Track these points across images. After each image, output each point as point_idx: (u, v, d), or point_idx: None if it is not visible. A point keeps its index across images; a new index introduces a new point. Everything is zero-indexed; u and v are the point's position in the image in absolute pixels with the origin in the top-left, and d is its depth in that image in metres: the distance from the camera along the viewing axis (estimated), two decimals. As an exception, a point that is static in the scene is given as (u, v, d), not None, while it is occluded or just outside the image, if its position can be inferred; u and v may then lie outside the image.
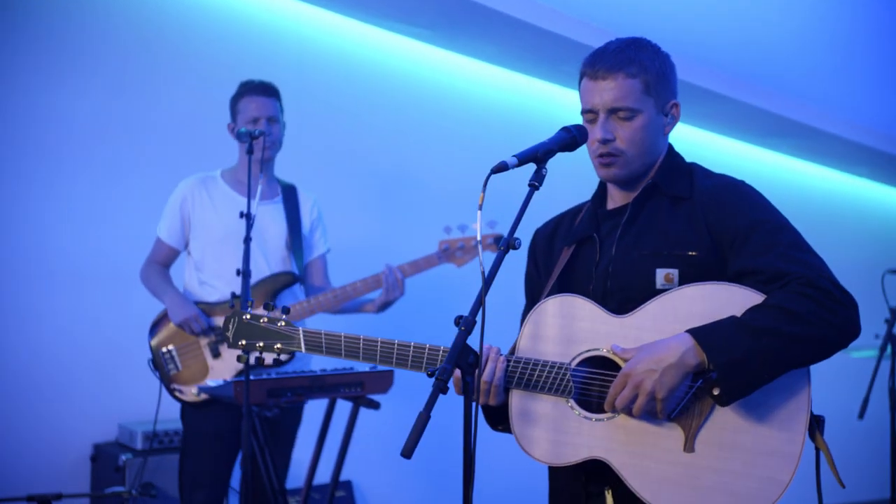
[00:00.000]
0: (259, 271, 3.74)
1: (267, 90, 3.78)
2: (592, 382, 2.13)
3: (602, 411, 2.12)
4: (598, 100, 2.22)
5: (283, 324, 2.33)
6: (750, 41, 6.06)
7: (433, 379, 1.88)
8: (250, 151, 3.43)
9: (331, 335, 2.27)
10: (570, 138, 2.15)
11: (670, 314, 2.08)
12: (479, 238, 1.90)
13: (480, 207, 1.99)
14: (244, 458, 3.14)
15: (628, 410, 2.06)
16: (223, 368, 3.71)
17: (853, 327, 2.02)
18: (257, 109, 3.75)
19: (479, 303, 1.95)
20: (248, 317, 2.35)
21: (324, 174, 4.94)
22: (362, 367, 3.60)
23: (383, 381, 3.59)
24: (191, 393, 3.70)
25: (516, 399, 2.19)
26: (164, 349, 3.74)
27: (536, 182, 2.06)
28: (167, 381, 3.73)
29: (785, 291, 2.00)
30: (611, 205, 2.35)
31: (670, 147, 2.33)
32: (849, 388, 5.42)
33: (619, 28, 4.83)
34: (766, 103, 6.08)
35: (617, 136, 2.23)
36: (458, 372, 2.08)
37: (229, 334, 2.37)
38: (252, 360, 2.37)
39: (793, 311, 1.97)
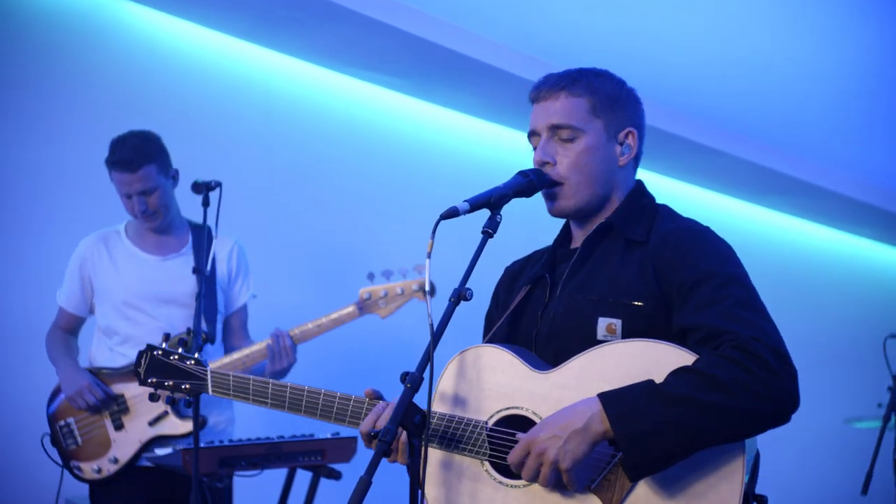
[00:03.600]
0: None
1: (131, 164, 3.62)
2: (509, 445, 2.06)
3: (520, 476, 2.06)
4: (538, 120, 2.21)
5: (193, 362, 2.35)
6: (745, 93, 6.15)
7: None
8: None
9: (239, 378, 2.26)
10: (526, 183, 2.14)
11: (596, 373, 2.02)
12: (427, 287, 1.93)
13: (429, 256, 2.01)
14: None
15: (536, 481, 1.99)
16: (126, 442, 3.63)
17: (787, 399, 1.91)
18: (125, 186, 3.68)
19: (427, 358, 1.95)
20: (160, 352, 2.36)
21: (270, 231, 4.90)
22: (323, 433, 3.56)
23: (346, 449, 3.55)
24: (90, 470, 3.62)
25: (433, 458, 2.15)
26: (62, 422, 3.66)
27: (490, 229, 2.06)
28: (66, 457, 3.65)
29: (712, 354, 1.93)
30: (574, 243, 2.32)
31: (640, 186, 2.29)
32: (850, 461, 5.38)
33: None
34: (761, 158, 6.13)
35: (558, 160, 2.18)
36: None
37: (140, 370, 2.38)
38: (164, 400, 2.38)
39: (714, 378, 1.88)
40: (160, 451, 3.53)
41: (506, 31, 5.02)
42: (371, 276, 3.78)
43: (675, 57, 5.65)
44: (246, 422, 4.07)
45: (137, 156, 3.62)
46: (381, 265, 3.95)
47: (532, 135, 2.25)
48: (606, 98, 2.21)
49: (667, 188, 6.29)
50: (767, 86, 6.29)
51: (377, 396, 2.23)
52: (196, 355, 2.36)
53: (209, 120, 4.72)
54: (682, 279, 2.05)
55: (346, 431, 3.56)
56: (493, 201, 2.07)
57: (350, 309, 3.76)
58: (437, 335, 1.98)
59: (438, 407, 2.16)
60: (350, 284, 4.84)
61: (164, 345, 2.42)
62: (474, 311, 2.40)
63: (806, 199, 6.77)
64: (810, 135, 6.50)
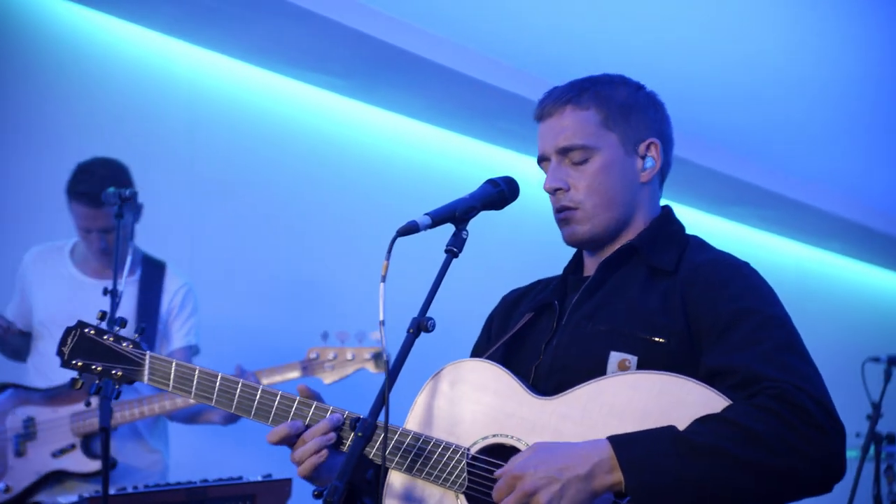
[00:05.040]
0: None
1: (95, 199, 3.46)
2: (494, 479, 1.88)
3: None
4: (545, 143, 2.09)
5: (131, 345, 2.15)
6: (718, 101, 6.05)
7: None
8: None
9: (183, 368, 2.10)
10: (496, 193, 2.03)
11: (605, 406, 1.86)
12: (381, 318, 1.75)
13: (384, 279, 1.84)
14: None
15: None
16: (23, 470, 3.49)
17: (834, 463, 1.75)
18: (86, 221, 3.58)
19: (382, 401, 1.81)
20: (92, 331, 2.16)
21: (193, 245, 4.73)
22: (253, 474, 3.38)
23: (280, 493, 3.38)
24: None
25: (396, 483, 1.98)
26: None
27: (455, 247, 1.93)
28: None
29: (749, 403, 1.77)
30: (586, 272, 2.17)
31: (667, 211, 2.16)
32: (828, 495, 5.24)
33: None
34: (727, 168, 6.06)
35: (571, 185, 2.05)
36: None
37: (65, 349, 2.17)
38: (90, 389, 2.20)
39: (751, 431, 1.72)
40: (63, 501, 3.28)
41: (458, 29, 4.89)
42: (325, 336, 3.68)
43: (646, 59, 5.52)
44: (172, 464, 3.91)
45: (100, 193, 3.35)
46: (312, 276, 3.82)
47: (542, 160, 2.11)
48: (619, 107, 2.07)
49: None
50: (742, 96, 6.21)
51: (310, 396, 2.05)
52: (136, 336, 2.17)
53: (125, 123, 4.54)
54: (715, 316, 1.90)
55: (279, 472, 3.42)
56: (459, 215, 1.95)
57: (294, 372, 3.65)
58: (393, 373, 1.83)
59: (411, 427, 1.99)
60: (280, 296, 4.62)
61: (101, 324, 2.21)
62: (456, 342, 2.24)
63: (776, 211, 6.72)
64: (784, 145, 6.43)
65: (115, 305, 3.15)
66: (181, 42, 4.69)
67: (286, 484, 3.39)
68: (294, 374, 3.63)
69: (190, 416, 3.73)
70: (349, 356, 3.66)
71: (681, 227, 2.13)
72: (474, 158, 5.70)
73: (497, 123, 5.36)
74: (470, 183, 5.56)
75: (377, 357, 3.66)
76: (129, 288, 3.63)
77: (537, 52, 5.11)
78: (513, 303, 2.26)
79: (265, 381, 3.59)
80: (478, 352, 2.25)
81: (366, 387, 3.12)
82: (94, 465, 3.46)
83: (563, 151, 2.05)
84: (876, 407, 4.62)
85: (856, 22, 6.64)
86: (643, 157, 2.09)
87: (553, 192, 2.06)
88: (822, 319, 7.27)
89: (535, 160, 5.98)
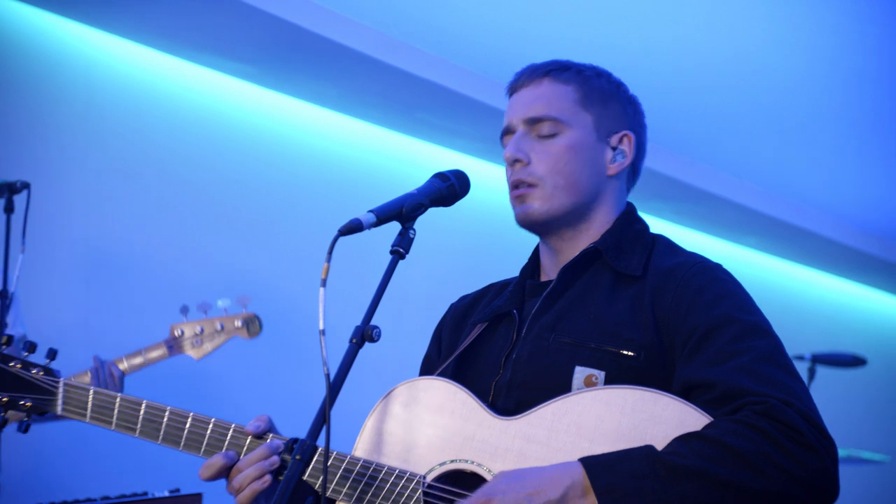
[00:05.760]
0: None
1: None
2: None
3: None
4: (514, 113, 1.98)
5: (42, 372, 2.03)
6: (678, 108, 5.98)
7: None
8: None
9: (103, 396, 1.99)
10: (446, 188, 1.91)
11: (574, 424, 1.74)
12: (321, 327, 1.64)
13: (324, 283, 1.72)
14: None
15: None
16: None
17: (826, 484, 1.65)
18: None
19: (323, 419, 1.68)
20: None
21: (104, 232, 4.52)
22: (160, 489, 3.21)
23: None
24: None
25: None
26: None
27: (401, 248, 1.83)
28: None
29: (732, 420, 1.66)
30: (544, 276, 2.06)
31: (630, 208, 2.04)
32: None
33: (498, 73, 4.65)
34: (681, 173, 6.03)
35: (534, 159, 1.94)
36: None
37: None
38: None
39: (735, 450, 1.62)
40: None
41: (376, 15, 4.72)
42: (184, 310, 3.52)
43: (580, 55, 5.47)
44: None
45: None
46: (217, 268, 3.69)
47: (506, 133, 1.99)
48: (599, 91, 1.98)
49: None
50: (700, 101, 6.14)
51: (267, 430, 1.92)
52: (46, 363, 2.05)
53: (19, 109, 4.31)
54: (689, 326, 1.80)
55: (187, 487, 3.27)
56: (406, 212, 1.84)
57: (159, 351, 3.49)
58: (335, 386, 1.71)
59: (361, 453, 1.89)
60: (183, 286, 4.42)
61: (4, 349, 2.05)
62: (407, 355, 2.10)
63: (690, 205, 6.65)
64: (731, 151, 6.36)
65: (3, 309, 2.94)
66: (76, 24, 4.46)
67: (196, 499, 3.18)
68: (159, 354, 3.48)
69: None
70: (218, 327, 3.53)
71: (645, 227, 2.03)
72: (391, 150, 5.57)
73: (416, 114, 5.24)
74: (387, 175, 5.45)
75: (249, 322, 3.55)
76: None
77: (460, 41, 4.98)
78: (463, 311, 2.14)
79: (125, 364, 3.45)
80: (428, 366, 2.12)
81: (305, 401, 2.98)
82: None
83: (532, 122, 1.95)
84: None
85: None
86: (614, 149, 2.00)
87: (512, 162, 1.94)
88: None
89: (456, 154, 5.89)
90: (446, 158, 5.57)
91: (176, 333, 3.53)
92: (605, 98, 1.98)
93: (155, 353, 3.48)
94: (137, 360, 3.46)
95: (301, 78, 4.94)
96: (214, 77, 4.92)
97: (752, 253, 7.52)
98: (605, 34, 5.00)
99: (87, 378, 3.35)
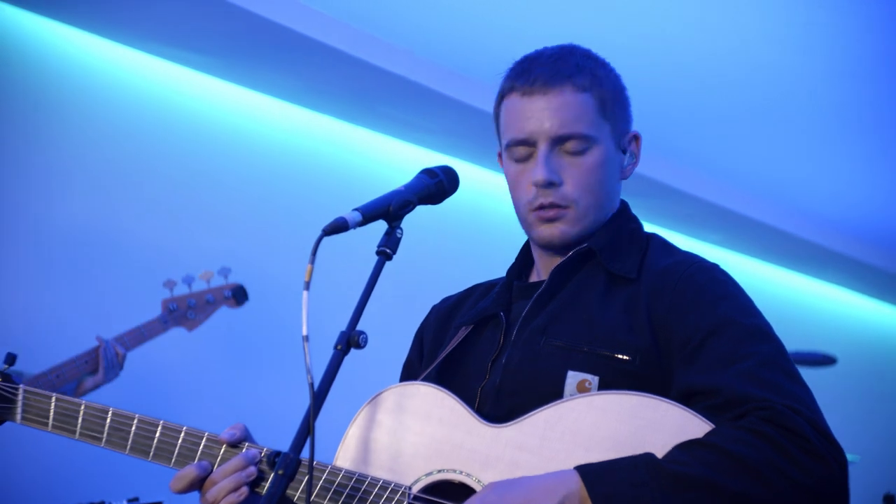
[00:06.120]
0: None
1: None
2: None
3: None
4: (535, 125, 1.85)
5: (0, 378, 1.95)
6: (653, 112, 5.93)
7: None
8: None
9: (66, 403, 1.91)
10: (434, 185, 1.86)
11: (568, 432, 1.68)
12: (304, 333, 1.57)
13: (307, 287, 1.63)
14: None
15: None
16: None
17: (834, 495, 1.59)
18: None
19: (307, 432, 1.60)
20: None
21: (55, 225, 4.39)
22: (118, 499, 3.25)
23: None
24: None
25: None
26: None
27: (388, 248, 1.76)
28: None
29: (736, 427, 1.60)
30: (534, 277, 1.99)
31: (624, 206, 1.98)
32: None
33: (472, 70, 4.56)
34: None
35: (565, 179, 1.85)
36: None
37: None
38: None
39: (740, 459, 1.55)
40: None
41: (342, 5, 4.58)
42: (170, 284, 3.62)
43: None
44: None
45: None
46: (175, 261, 3.66)
47: (520, 143, 1.88)
48: (612, 94, 1.90)
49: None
50: (670, 100, 6.09)
51: (243, 438, 1.85)
52: (4, 368, 1.98)
53: None
54: (688, 329, 1.73)
55: (146, 496, 3.28)
56: (393, 210, 1.77)
57: (156, 326, 3.61)
58: (319, 396, 1.63)
59: (343, 463, 1.82)
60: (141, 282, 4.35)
61: None
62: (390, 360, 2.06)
63: (658, 202, 6.60)
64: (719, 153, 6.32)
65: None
66: (21, 11, 4.31)
67: (154, 510, 3.22)
68: (157, 329, 3.59)
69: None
70: (207, 298, 3.67)
71: (639, 226, 1.98)
72: (352, 145, 5.47)
73: (379, 108, 5.15)
74: (349, 171, 5.34)
75: (237, 292, 3.68)
76: None
77: (426, 33, 4.88)
78: (447, 313, 2.07)
79: (127, 342, 3.52)
80: (409, 371, 2.05)
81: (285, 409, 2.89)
82: None
83: (561, 140, 1.85)
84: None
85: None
86: (625, 152, 1.94)
87: (547, 186, 1.84)
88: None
89: (421, 149, 5.77)
90: (409, 153, 5.50)
91: (170, 307, 3.61)
92: (616, 100, 1.91)
93: (153, 329, 3.57)
94: (137, 337, 3.54)
95: (262, 70, 4.84)
96: (174, 69, 4.83)
97: (716, 250, 7.51)
98: (574, 26, 4.95)
99: (97, 358, 3.42)
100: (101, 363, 3.41)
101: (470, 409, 1.78)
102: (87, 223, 4.55)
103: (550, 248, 1.92)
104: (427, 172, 1.85)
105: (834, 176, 6.55)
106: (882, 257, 7.82)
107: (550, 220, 1.87)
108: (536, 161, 1.85)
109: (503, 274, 2.03)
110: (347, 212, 1.70)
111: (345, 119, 5.38)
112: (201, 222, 4.81)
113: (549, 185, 1.84)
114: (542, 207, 1.86)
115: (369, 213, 1.72)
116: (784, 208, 6.99)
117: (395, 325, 2.89)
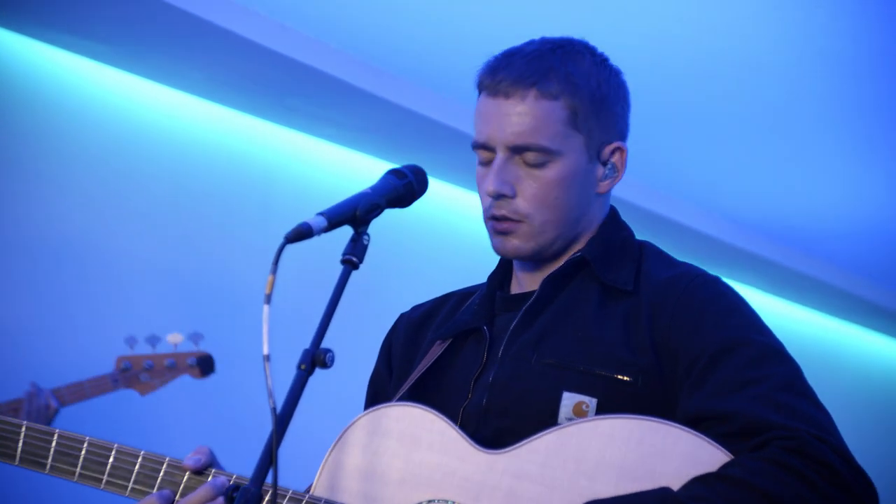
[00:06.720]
0: None
1: None
2: None
3: None
4: (494, 130, 1.77)
5: None
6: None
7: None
8: None
9: (37, 432, 1.77)
10: (403, 186, 1.73)
11: (571, 460, 1.58)
12: (265, 352, 1.45)
13: (268, 300, 1.51)
14: None
15: None
16: None
17: None
18: None
19: (270, 460, 1.46)
20: None
21: None
22: None
23: None
24: None
25: None
26: None
27: (354, 256, 1.63)
28: None
29: (759, 458, 1.51)
30: (516, 288, 1.89)
31: (613, 212, 1.91)
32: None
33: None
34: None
35: (519, 192, 1.76)
36: None
37: None
38: None
39: (766, 495, 1.47)
40: None
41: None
42: (131, 342, 3.41)
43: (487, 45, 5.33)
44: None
45: None
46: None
47: (481, 147, 1.79)
48: (591, 100, 1.78)
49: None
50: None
51: (209, 464, 1.74)
52: None
53: None
54: (695, 348, 1.65)
55: None
56: (360, 215, 1.65)
57: (103, 385, 3.39)
58: (282, 418, 1.49)
59: (321, 492, 1.71)
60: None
61: None
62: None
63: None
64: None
65: None
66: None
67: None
68: (102, 388, 3.36)
69: None
70: (167, 363, 3.44)
71: (630, 234, 1.90)
72: (259, 139, 5.31)
73: (286, 100, 5.00)
74: (253, 167, 5.21)
75: (203, 362, 3.45)
76: None
77: (335, 19, 4.74)
78: (418, 322, 1.96)
79: (65, 396, 3.29)
80: (378, 384, 1.93)
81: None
82: None
83: (518, 150, 1.76)
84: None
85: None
86: (605, 164, 1.83)
87: (497, 197, 1.75)
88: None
89: (329, 145, 5.66)
90: (318, 148, 5.35)
91: (122, 366, 3.41)
92: (596, 107, 1.80)
93: (99, 386, 3.35)
94: (78, 393, 3.30)
95: (160, 59, 4.66)
96: (65, 57, 4.64)
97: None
98: (513, 20, 4.88)
99: (20, 406, 3.20)
100: (20, 415, 3.17)
101: (462, 433, 1.68)
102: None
103: (511, 259, 1.85)
104: (395, 173, 1.74)
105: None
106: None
107: (503, 233, 1.80)
108: (492, 169, 1.78)
109: (480, 281, 1.94)
110: (311, 216, 1.58)
111: (249, 112, 5.23)
112: (104, 217, 4.66)
113: (500, 196, 1.77)
114: (494, 218, 1.79)
115: (335, 218, 1.60)
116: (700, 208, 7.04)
117: (363, 341, 2.79)
